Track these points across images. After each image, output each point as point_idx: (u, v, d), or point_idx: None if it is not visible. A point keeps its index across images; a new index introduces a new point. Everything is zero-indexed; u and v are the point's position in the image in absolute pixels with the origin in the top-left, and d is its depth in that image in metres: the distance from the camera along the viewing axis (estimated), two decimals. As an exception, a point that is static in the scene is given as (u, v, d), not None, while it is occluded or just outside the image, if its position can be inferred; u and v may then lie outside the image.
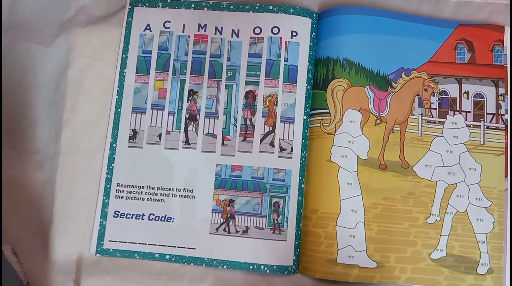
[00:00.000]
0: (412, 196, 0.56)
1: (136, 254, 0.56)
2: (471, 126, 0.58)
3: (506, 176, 0.57)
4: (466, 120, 0.58)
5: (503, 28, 0.60)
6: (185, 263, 0.56)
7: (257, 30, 0.60)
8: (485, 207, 0.56)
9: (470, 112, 0.58)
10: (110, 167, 0.58)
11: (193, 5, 0.61)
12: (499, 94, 0.58)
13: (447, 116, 0.58)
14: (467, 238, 0.55)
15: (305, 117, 0.58)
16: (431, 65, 0.59)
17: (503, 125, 0.58)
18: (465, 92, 0.58)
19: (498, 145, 0.57)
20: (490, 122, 0.58)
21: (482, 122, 0.58)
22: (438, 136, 0.58)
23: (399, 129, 0.58)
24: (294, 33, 0.60)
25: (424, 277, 0.54)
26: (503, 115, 0.58)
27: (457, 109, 0.58)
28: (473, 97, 0.58)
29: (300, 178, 0.57)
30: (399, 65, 0.59)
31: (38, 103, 0.60)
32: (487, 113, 0.58)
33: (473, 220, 0.55)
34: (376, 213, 0.56)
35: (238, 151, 0.58)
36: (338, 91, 0.58)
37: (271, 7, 0.60)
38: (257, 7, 0.61)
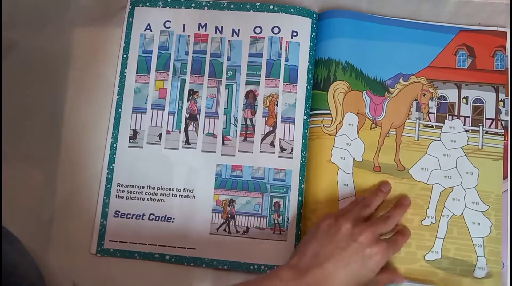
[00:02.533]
0: None
1: (136, 254, 0.56)
2: (469, 130, 0.58)
3: (505, 177, 0.57)
4: (464, 125, 0.58)
5: (505, 34, 0.59)
6: (185, 264, 0.56)
7: (258, 30, 0.60)
8: (481, 211, 0.56)
9: (468, 117, 0.58)
10: (111, 167, 0.58)
11: (193, 5, 0.61)
12: (499, 99, 0.58)
13: (445, 120, 0.58)
14: (463, 242, 0.55)
15: (305, 117, 0.58)
16: (430, 70, 0.59)
17: (502, 130, 0.58)
18: (464, 97, 0.58)
19: (497, 150, 0.57)
20: (489, 127, 0.58)
21: (481, 127, 0.58)
22: (436, 140, 0.58)
23: (395, 133, 0.58)
24: (294, 33, 0.60)
25: (418, 278, 0.54)
26: (503, 120, 0.58)
27: (456, 114, 0.58)
28: (472, 102, 0.58)
29: (300, 178, 0.57)
30: (397, 70, 0.59)
31: (38, 103, 0.60)
32: (486, 118, 0.58)
33: (469, 224, 0.55)
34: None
35: (238, 151, 0.58)
36: (340, 93, 0.58)
37: (271, 7, 0.60)
38: (257, 7, 0.60)
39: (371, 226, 0.50)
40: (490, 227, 0.55)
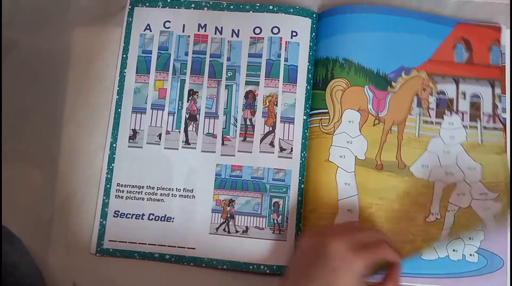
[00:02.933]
0: (409, 196, 0.56)
1: (136, 254, 0.56)
2: (468, 126, 0.58)
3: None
4: (463, 120, 0.58)
5: (500, 29, 0.60)
6: (185, 263, 0.56)
7: (257, 30, 0.60)
8: (491, 199, 0.55)
9: (467, 112, 0.58)
10: (110, 167, 0.58)
11: (193, 5, 0.61)
12: (496, 94, 0.58)
13: (444, 116, 0.58)
14: (472, 223, 0.55)
15: (305, 117, 0.58)
16: (430, 64, 0.59)
17: (501, 125, 0.58)
18: (462, 93, 0.58)
19: (498, 144, 0.57)
20: (487, 123, 0.58)
21: (479, 123, 0.58)
22: (435, 136, 0.57)
23: (397, 129, 0.58)
24: (294, 33, 0.60)
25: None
26: (500, 115, 0.58)
27: (454, 109, 0.58)
28: (470, 98, 0.58)
29: (300, 178, 0.57)
30: (399, 63, 0.59)
31: (38, 103, 0.60)
32: (483, 114, 0.58)
33: (480, 211, 0.55)
34: (371, 213, 0.55)
35: (238, 151, 0.58)
36: (337, 91, 0.58)
37: (271, 7, 0.60)
38: (257, 7, 0.61)
39: (366, 254, 0.46)
40: (502, 205, 0.55)
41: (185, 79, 0.60)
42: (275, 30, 0.60)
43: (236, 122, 0.59)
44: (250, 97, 0.59)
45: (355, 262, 0.45)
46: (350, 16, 0.59)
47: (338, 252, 0.45)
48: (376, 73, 0.58)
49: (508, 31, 0.60)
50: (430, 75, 0.59)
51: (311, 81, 0.59)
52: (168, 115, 0.59)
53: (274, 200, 0.57)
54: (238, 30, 0.61)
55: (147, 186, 0.58)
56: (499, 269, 0.55)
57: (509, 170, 0.56)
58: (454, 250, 0.55)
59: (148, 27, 0.61)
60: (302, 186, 0.57)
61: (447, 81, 0.59)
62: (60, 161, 0.58)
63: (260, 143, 0.58)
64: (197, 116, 0.59)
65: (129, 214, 0.57)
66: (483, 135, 0.57)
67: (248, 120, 0.59)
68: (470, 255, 0.55)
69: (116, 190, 0.58)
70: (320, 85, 0.59)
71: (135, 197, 0.58)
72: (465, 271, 0.55)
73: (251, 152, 0.58)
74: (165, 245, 0.56)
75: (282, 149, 0.58)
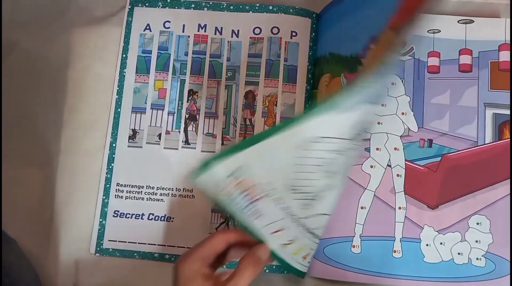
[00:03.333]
0: None
1: (135, 254, 0.56)
2: None
3: (506, 178, 0.55)
4: None
5: None
6: (185, 263, 0.56)
7: (257, 30, 0.60)
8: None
9: None
10: (110, 167, 0.58)
11: (193, 5, 0.62)
12: None
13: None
14: None
15: (304, 117, 0.58)
16: (396, 16, 0.46)
17: None
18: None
19: None
20: None
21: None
22: None
23: None
24: (293, 33, 0.60)
25: None
26: None
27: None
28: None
29: (300, 178, 0.57)
30: (368, 37, 0.52)
31: (38, 103, 0.60)
32: None
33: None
34: None
35: (237, 151, 0.58)
36: (323, 87, 0.57)
37: (270, 7, 0.60)
38: (257, 7, 0.61)
39: (192, 250, 0.44)
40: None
41: (185, 79, 0.60)
42: (275, 30, 0.60)
43: (236, 122, 0.59)
44: (250, 97, 0.59)
45: (183, 266, 0.44)
46: (336, 11, 0.58)
47: (177, 268, 0.44)
48: (349, 58, 0.56)
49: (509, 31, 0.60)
50: (395, 29, 0.46)
51: (311, 81, 0.59)
52: (168, 115, 0.59)
53: (273, 200, 0.57)
54: (238, 30, 0.61)
55: (147, 186, 0.58)
56: (508, 275, 0.52)
57: (510, 165, 0.55)
58: (459, 254, 0.53)
59: (148, 27, 0.61)
60: (302, 186, 0.57)
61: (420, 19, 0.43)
62: (60, 161, 0.59)
63: (260, 143, 0.58)
64: (197, 116, 0.59)
65: (129, 214, 0.57)
66: None
67: (247, 120, 0.59)
68: (477, 259, 0.53)
69: (116, 190, 0.58)
70: (316, 85, 0.58)
71: (134, 197, 0.58)
72: (471, 275, 0.53)
73: (250, 152, 0.58)
74: (165, 245, 0.56)
75: (281, 149, 0.57)
